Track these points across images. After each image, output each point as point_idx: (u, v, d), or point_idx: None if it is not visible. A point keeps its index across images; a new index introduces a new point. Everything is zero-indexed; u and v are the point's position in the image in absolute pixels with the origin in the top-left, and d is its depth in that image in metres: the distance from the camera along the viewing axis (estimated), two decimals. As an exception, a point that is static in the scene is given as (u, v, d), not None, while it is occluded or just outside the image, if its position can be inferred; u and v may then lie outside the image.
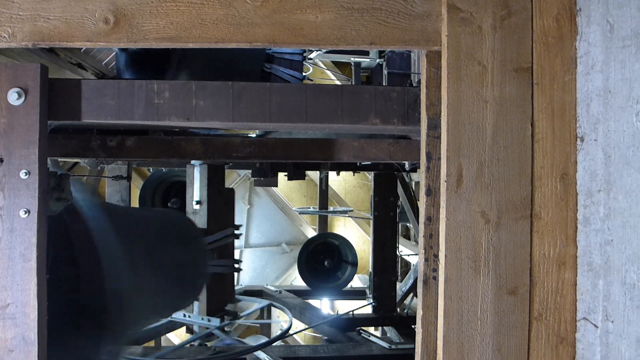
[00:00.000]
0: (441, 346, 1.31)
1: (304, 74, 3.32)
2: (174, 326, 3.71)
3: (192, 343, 3.23)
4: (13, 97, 1.31)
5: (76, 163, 5.36)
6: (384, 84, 4.58)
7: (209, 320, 2.97)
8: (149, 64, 2.19)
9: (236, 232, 3.07)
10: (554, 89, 1.32)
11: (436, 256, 1.37)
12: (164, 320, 3.45)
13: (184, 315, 3.09)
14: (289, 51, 2.83)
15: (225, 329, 3.19)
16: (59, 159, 3.38)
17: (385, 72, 5.24)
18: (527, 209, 1.31)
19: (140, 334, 3.47)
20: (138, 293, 2.14)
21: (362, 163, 3.81)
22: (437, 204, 1.37)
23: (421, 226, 1.40)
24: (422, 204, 1.40)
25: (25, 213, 1.31)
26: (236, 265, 3.06)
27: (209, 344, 3.12)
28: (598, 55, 1.23)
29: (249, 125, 1.53)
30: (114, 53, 4.27)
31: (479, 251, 1.30)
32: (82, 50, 4.13)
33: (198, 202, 2.98)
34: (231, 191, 3.24)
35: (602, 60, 1.22)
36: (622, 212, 1.15)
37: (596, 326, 1.23)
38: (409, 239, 8.04)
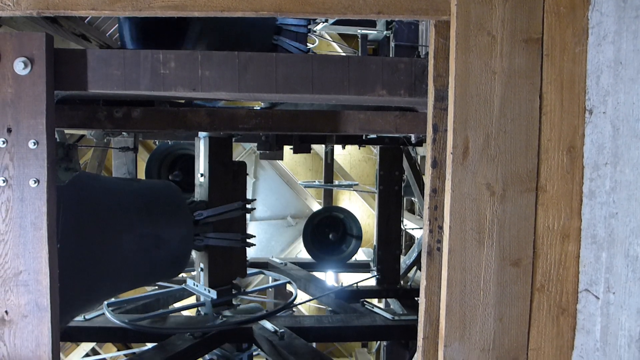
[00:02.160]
0: (444, 315, 1.33)
1: (308, 46, 3.26)
2: (182, 295, 3.79)
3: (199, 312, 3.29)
4: (19, 67, 1.31)
5: (83, 135, 5.38)
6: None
7: (208, 292, 3.01)
8: (158, 34, 2.16)
9: (248, 206, 3.06)
10: (564, 61, 1.30)
11: (441, 228, 1.38)
12: (176, 287, 3.52)
13: (194, 285, 3.14)
14: (293, 22, 2.79)
15: (233, 301, 3.23)
16: (66, 131, 3.40)
17: (392, 44, 5.17)
18: (532, 181, 1.31)
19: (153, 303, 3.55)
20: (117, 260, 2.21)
21: (368, 137, 3.80)
22: (442, 176, 1.37)
23: (426, 198, 1.40)
24: (427, 176, 1.40)
25: (35, 182, 1.33)
26: (248, 240, 3.05)
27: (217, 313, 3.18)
28: (610, 26, 1.21)
29: (255, 96, 1.52)
30: (117, 24, 4.23)
31: (483, 223, 1.31)
32: (85, 21, 4.09)
33: (202, 175, 2.99)
34: (241, 165, 3.19)
35: (614, 31, 1.19)
36: (628, 185, 1.15)
37: (597, 297, 1.25)
38: (413, 213, 8.07)
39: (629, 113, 1.14)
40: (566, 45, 1.30)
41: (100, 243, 2.14)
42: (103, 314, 3.13)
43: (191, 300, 3.83)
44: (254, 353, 3.54)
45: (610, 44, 1.21)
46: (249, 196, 3.27)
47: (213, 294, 3.01)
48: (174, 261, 2.59)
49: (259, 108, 2.75)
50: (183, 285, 3.33)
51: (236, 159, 3.21)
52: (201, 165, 3.01)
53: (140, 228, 2.37)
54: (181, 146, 4.35)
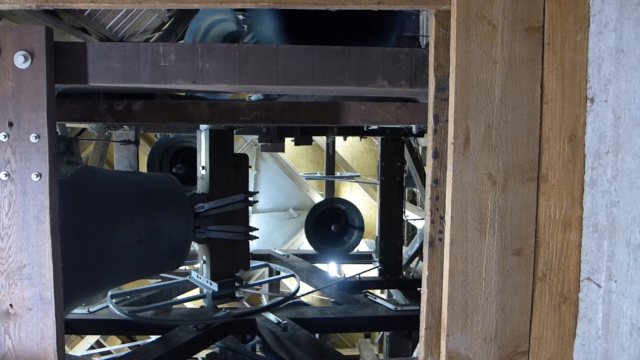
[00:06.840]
0: (446, 305, 1.34)
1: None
2: (185, 287, 3.80)
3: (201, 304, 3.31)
4: (19, 61, 1.31)
5: (84, 129, 5.38)
6: (391, 47, 4.48)
7: (210, 284, 3.02)
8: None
9: (250, 199, 3.06)
10: (565, 49, 1.29)
11: (442, 218, 1.38)
12: (179, 279, 3.54)
13: (198, 277, 3.16)
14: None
15: (236, 294, 3.24)
16: (67, 125, 3.40)
17: (393, 34, 5.12)
18: (534, 171, 1.31)
19: (156, 295, 3.57)
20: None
21: (369, 128, 3.79)
22: (443, 166, 1.37)
23: (428, 189, 1.40)
24: (428, 166, 1.40)
25: (37, 176, 1.33)
26: (250, 233, 3.05)
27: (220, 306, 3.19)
28: (612, 13, 1.20)
29: (255, 88, 1.52)
30: (118, 16, 4.21)
31: (484, 213, 1.31)
32: (85, 14, 4.07)
33: (203, 168, 2.99)
34: (243, 157, 3.17)
35: (616, 19, 1.19)
36: (630, 174, 1.15)
37: (599, 286, 1.25)
38: (415, 203, 8.08)
39: (630, 101, 1.14)
40: (567, 33, 1.29)
41: (99, 235, 2.15)
42: (107, 306, 3.15)
43: (195, 292, 3.86)
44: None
45: (612, 31, 1.20)
46: (250, 189, 3.26)
47: (215, 286, 3.02)
48: (173, 253, 2.60)
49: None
50: (187, 278, 3.35)
51: (237, 152, 3.21)
52: (203, 157, 3.01)
53: (140, 220, 2.37)
54: (182, 139, 4.35)
